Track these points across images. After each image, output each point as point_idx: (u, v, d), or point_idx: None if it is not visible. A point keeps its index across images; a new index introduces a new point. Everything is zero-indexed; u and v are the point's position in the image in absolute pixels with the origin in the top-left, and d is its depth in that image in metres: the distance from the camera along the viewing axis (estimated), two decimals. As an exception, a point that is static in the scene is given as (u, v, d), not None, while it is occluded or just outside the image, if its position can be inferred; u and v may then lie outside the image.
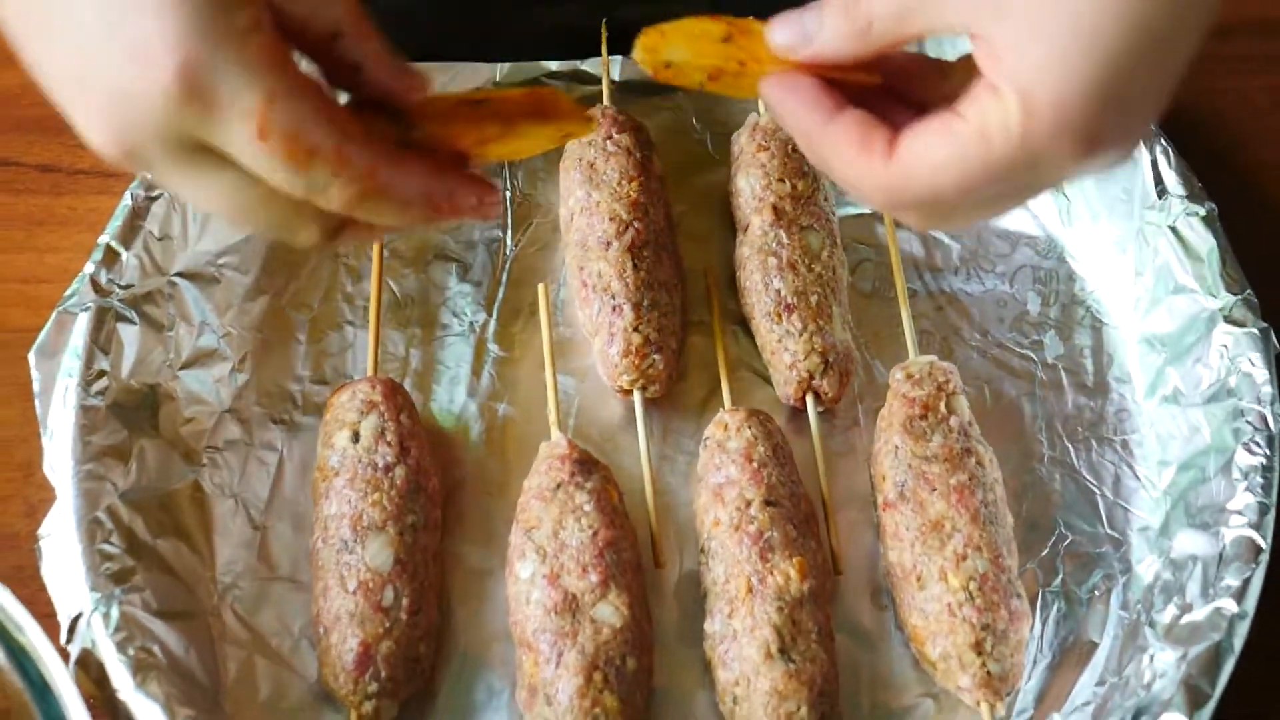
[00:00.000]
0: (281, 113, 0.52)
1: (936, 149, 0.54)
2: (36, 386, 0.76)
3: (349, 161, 0.54)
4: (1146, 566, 0.76)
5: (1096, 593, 0.76)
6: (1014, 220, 0.91)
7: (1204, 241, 0.81)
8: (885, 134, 0.55)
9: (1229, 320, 0.79)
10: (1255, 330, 0.78)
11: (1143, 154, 0.85)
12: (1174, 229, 0.83)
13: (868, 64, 0.57)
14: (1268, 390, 0.76)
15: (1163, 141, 0.85)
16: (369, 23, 0.57)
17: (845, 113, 0.56)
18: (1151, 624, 0.72)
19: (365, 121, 0.55)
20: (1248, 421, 0.76)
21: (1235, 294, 0.79)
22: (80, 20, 0.52)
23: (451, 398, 0.83)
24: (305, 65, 0.55)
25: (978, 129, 0.53)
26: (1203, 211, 0.82)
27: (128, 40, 0.51)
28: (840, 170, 0.57)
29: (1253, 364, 0.77)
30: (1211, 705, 0.67)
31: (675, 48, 0.61)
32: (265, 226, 0.57)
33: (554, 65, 0.94)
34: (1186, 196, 0.83)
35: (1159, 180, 0.84)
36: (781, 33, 0.57)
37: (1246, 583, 0.70)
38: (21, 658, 0.61)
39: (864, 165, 0.55)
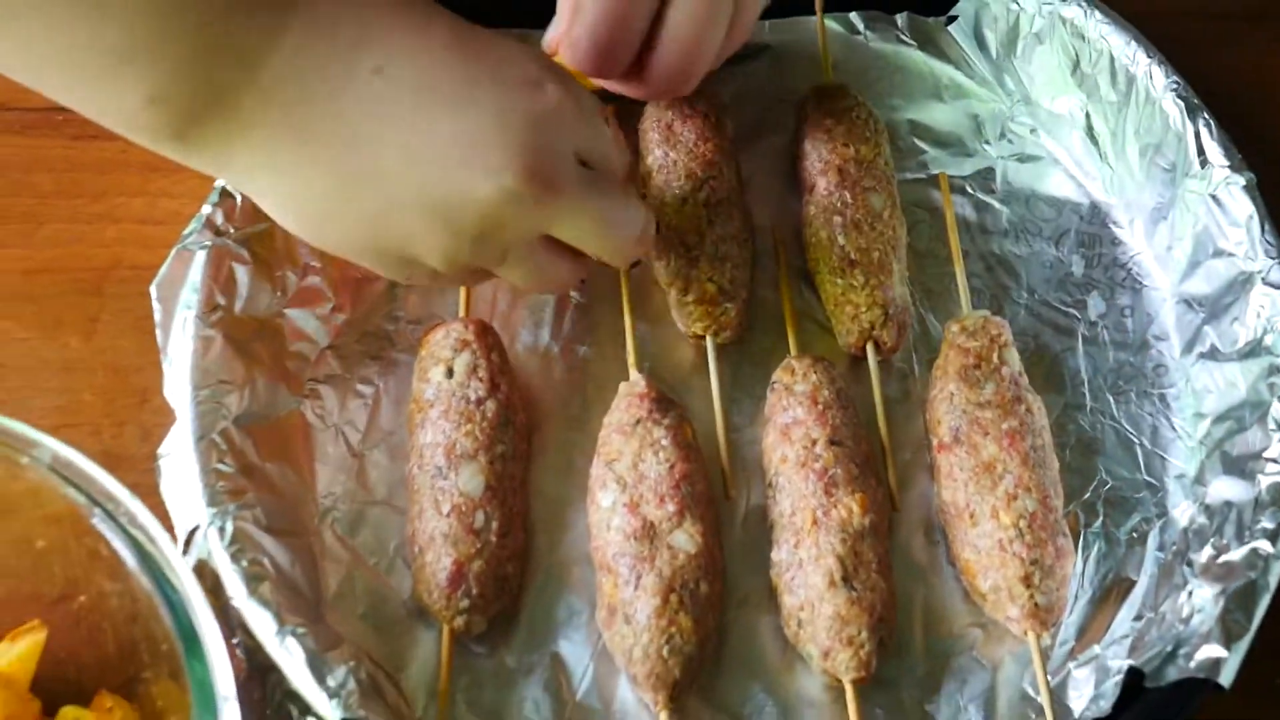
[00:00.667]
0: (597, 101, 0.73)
1: None
2: (157, 317, 0.80)
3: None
4: (1182, 511, 0.80)
5: (1135, 534, 0.80)
6: (1061, 188, 0.95)
7: (1244, 209, 0.85)
8: None
9: (1266, 282, 0.82)
10: (1292, 292, 0.81)
11: (1187, 127, 0.88)
12: (1214, 196, 0.86)
13: None
14: (1302, 348, 0.80)
15: (1205, 115, 0.88)
16: None
17: None
18: (1189, 564, 0.76)
19: None
20: (1283, 377, 0.79)
21: (1273, 258, 0.83)
22: (457, 90, 0.65)
23: (536, 339, 0.87)
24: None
25: None
26: (1243, 181, 0.85)
27: (519, 78, 0.66)
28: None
29: (1288, 323, 0.81)
30: (1247, 639, 0.70)
31: None
32: (621, 239, 0.74)
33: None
34: (1228, 167, 0.86)
35: (1201, 151, 0.87)
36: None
37: (1281, 526, 0.74)
38: (151, 566, 0.63)
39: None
